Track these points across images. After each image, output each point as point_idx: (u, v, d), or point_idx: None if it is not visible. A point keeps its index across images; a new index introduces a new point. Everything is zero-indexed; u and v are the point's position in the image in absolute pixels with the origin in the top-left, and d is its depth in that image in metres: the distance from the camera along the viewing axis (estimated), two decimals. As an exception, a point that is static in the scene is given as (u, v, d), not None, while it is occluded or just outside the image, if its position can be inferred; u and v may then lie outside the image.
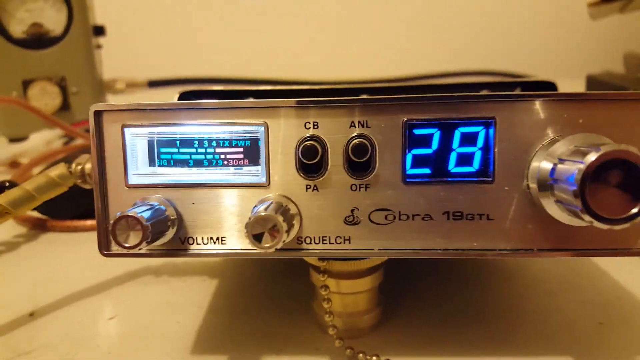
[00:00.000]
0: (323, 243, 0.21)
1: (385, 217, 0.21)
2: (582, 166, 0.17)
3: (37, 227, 0.44)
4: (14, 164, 0.61)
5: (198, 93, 0.32)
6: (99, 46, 0.79)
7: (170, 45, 1.00)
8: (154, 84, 0.81)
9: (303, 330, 0.28)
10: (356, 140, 0.20)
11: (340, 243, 0.21)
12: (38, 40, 0.74)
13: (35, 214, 0.45)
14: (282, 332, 0.28)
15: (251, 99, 0.21)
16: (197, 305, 0.31)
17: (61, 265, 0.37)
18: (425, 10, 1.04)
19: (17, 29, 0.74)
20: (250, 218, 0.19)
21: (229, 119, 0.21)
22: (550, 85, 0.31)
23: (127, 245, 0.19)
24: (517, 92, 0.20)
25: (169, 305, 0.31)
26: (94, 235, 0.43)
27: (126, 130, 0.21)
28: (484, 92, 0.21)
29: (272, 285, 0.33)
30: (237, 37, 1.03)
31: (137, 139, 0.21)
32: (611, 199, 0.17)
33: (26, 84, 0.74)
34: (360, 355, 0.25)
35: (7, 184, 0.41)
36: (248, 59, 1.02)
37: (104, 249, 0.22)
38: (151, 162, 0.22)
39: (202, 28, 1.03)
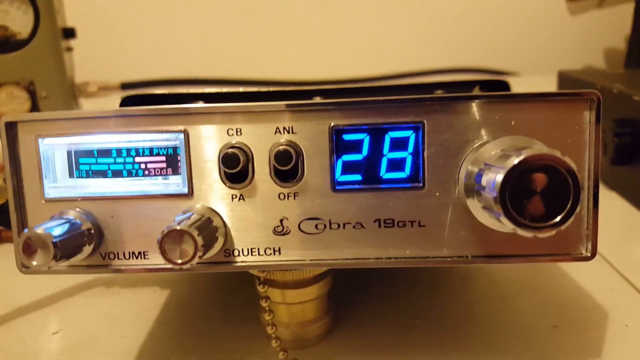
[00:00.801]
0: (252, 255, 0.21)
1: (316, 227, 0.20)
2: (502, 171, 0.16)
3: (-7, 238, 0.43)
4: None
5: (141, 98, 0.31)
6: (69, 49, 0.77)
7: (145, 48, 0.99)
8: (127, 86, 0.80)
9: (251, 341, 0.27)
10: (281, 147, 0.19)
11: (270, 254, 0.21)
12: (4, 43, 0.72)
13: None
14: (230, 344, 0.27)
15: (168, 105, 0.20)
16: (145, 317, 0.30)
17: (13, 278, 0.36)
18: (410, 7, 1.03)
19: (-17, 33, 0.72)
20: (162, 232, 0.18)
21: (149, 126, 0.20)
22: (503, 85, 0.30)
23: (33, 263, 0.18)
24: (442, 94, 0.19)
25: (117, 317, 0.30)
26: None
27: (40, 141, 0.20)
28: (415, 96, 0.20)
29: (223, 294, 0.32)
30: (214, 37, 1.02)
31: (54, 149, 0.20)
32: (535, 205, 0.16)
33: (-7, 89, 0.72)
34: (305, 366, 0.24)
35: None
36: (224, 59, 1.00)
37: (22, 266, 0.21)
38: (70, 174, 0.21)
39: (176, 29, 1.02)
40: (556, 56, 1.06)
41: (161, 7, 1.02)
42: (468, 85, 0.33)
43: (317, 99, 0.20)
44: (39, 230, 0.18)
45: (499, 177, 0.16)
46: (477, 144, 0.19)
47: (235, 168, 0.19)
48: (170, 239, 0.17)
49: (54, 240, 0.18)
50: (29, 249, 0.18)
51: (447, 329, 0.27)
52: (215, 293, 0.32)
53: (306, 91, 0.30)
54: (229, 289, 0.33)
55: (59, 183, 0.21)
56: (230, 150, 0.20)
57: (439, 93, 0.33)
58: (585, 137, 0.19)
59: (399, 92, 0.33)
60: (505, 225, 0.16)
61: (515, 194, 0.16)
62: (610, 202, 0.44)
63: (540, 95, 0.19)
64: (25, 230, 0.18)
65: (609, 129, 0.43)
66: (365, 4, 1.05)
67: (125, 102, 0.30)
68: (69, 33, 0.76)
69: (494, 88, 0.32)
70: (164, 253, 0.18)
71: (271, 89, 0.30)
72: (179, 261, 0.17)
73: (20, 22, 0.73)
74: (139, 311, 0.31)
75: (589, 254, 0.20)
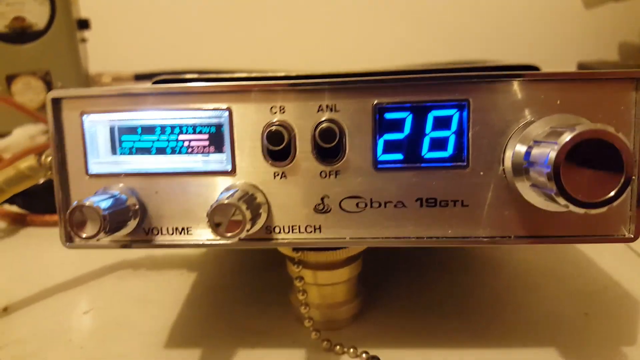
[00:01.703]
0: (293, 232, 0.21)
1: (357, 205, 0.20)
2: (556, 147, 0.16)
3: (17, 222, 0.43)
4: (-4, 159, 0.59)
5: (172, 81, 0.31)
6: (83, 40, 0.78)
7: (158, 39, 0.99)
8: (140, 77, 0.80)
9: (280, 323, 0.27)
10: (324, 125, 0.19)
11: (311, 232, 0.21)
12: (21, 34, 0.73)
13: (15, 208, 0.44)
14: (259, 326, 0.27)
15: (213, 83, 0.20)
16: (173, 299, 0.30)
17: (39, 260, 0.37)
18: (417, 0, 1.03)
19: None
20: (211, 206, 0.18)
21: (192, 104, 0.20)
22: (533, 70, 0.30)
23: (83, 235, 0.18)
24: (488, 72, 0.19)
25: (146, 299, 0.30)
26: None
27: (85, 117, 0.20)
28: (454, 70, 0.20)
29: (251, 278, 0.32)
30: (227, 29, 1.02)
31: (98, 126, 0.21)
32: (587, 181, 0.16)
33: (10, 79, 0.72)
34: (337, 347, 0.24)
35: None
36: (237, 51, 1.01)
37: (67, 240, 0.21)
38: (113, 150, 0.21)
39: (191, 20, 1.02)
40: (570, 50, 1.05)
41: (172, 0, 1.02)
42: (493, 70, 0.33)
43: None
44: (88, 203, 0.18)
45: (553, 153, 0.16)
46: (523, 123, 0.19)
47: (279, 146, 0.20)
48: (219, 211, 0.18)
49: (103, 212, 0.18)
50: (78, 221, 0.18)
51: (477, 316, 0.27)
52: (241, 277, 0.32)
53: (346, 74, 0.31)
54: (255, 272, 0.33)
55: (102, 159, 0.21)
56: (273, 127, 0.20)
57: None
58: (630, 117, 0.19)
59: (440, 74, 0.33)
60: (557, 203, 0.16)
61: (568, 169, 0.16)
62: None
63: (586, 75, 0.19)
64: (75, 203, 0.18)
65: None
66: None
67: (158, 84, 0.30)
68: (84, 24, 0.77)
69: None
70: (213, 226, 0.18)
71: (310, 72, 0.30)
72: (229, 234, 0.17)
73: (36, 13, 0.73)
74: (168, 293, 0.31)
75: (632, 236, 0.20)
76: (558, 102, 0.19)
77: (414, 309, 0.28)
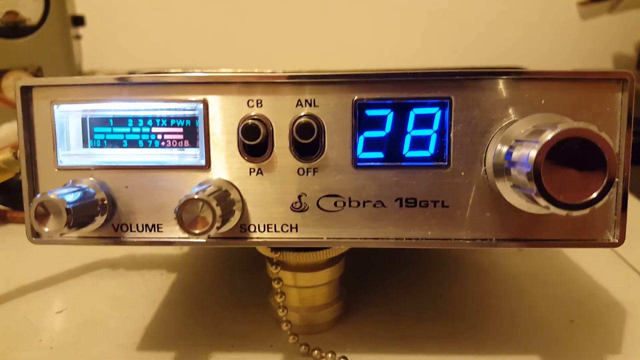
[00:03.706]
0: (268, 231, 0.20)
1: (335, 204, 0.20)
2: (537, 146, 0.15)
3: (-3, 219, 0.42)
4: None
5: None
6: (78, 36, 0.77)
7: (153, 36, 0.98)
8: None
9: (259, 326, 0.26)
10: (303, 120, 0.19)
11: (287, 231, 0.20)
12: (13, 29, 0.72)
13: (-4, 205, 0.43)
14: (237, 328, 0.26)
15: (187, 73, 0.19)
16: (151, 299, 0.29)
17: (17, 258, 0.36)
18: (418, 7, 1.03)
19: (-8, 18, 0.72)
20: (180, 201, 0.17)
21: (166, 95, 0.19)
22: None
23: (45, 229, 0.17)
24: (471, 69, 0.19)
25: (122, 299, 0.30)
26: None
27: (56, 107, 0.20)
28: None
29: (231, 279, 0.31)
30: (224, 27, 1.02)
31: (69, 116, 0.20)
32: (569, 182, 0.15)
33: (0, 74, 0.72)
34: (315, 352, 0.24)
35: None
36: (234, 49, 1.00)
37: (32, 235, 0.20)
38: (84, 143, 0.20)
39: (187, 18, 1.01)
40: (564, 60, 1.05)
41: (170, -1, 1.01)
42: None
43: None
44: (52, 196, 0.17)
45: (533, 152, 0.15)
46: (506, 122, 0.19)
47: (255, 140, 0.19)
48: (188, 207, 0.17)
49: (67, 206, 0.17)
50: (41, 214, 0.17)
51: (462, 322, 0.26)
52: (222, 278, 0.32)
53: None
54: (235, 274, 0.32)
55: (72, 151, 0.20)
56: (250, 121, 0.19)
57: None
58: (616, 118, 0.19)
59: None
60: (538, 204, 0.16)
61: (549, 169, 0.15)
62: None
63: (571, 74, 0.19)
64: (38, 196, 0.17)
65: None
66: (372, 3, 1.05)
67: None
68: (79, 21, 0.76)
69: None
70: (181, 222, 0.17)
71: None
72: (197, 231, 0.17)
73: (30, 8, 0.72)
74: (145, 293, 0.30)
75: (617, 240, 0.19)
76: (542, 101, 0.19)
77: (397, 313, 0.27)
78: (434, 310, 0.27)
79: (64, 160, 0.20)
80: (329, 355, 0.24)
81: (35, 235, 0.20)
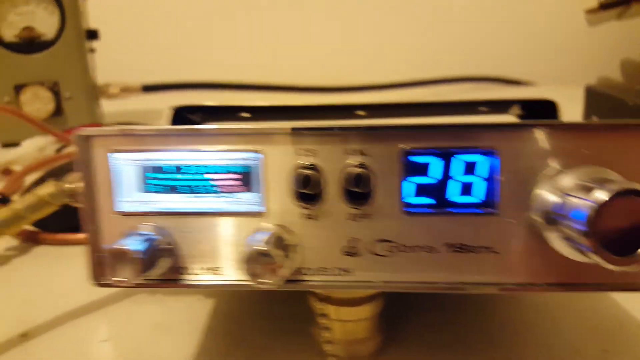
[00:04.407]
0: (322, 275, 0.21)
1: (386, 249, 0.21)
2: (591, 204, 0.16)
3: (29, 240, 0.43)
4: (6, 171, 0.60)
5: (191, 108, 0.31)
6: (92, 50, 0.78)
7: (166, 49, 0.99)
8: (148, 88, 0.80)
9: (303, 355, 0.27)
10: (354, 169, 0.20)
11: (340, 275, 0.21)
12: (30, 44, 0.73)
13: (28, 226, 0.44)
14: (282, 357, 0.27)
15: (246, 125, 0.20)
16: (193, 326, 0.30)
17: (53, 281, 0.37)
18: (425, 16, 1.04)
19: (9, 33, 0.73)
20: (247, 252, 0.18)
21: (224, 144, 0.20)
22: (550, 105, 0.30)
23: (121, 279, 0.18)
24: (519, 120, 0.20)
25: (164, 326, 0.30)
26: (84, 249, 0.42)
27: (114, 155, 0.20)
28: (484, 115, 0.20)
29: (269, 306, 0.32)
30: (235, 40, 1.03)
31: (127, 164, 0.21)
32: (623, 239, 0.16)
33: (18, 89, 0.73)
34: (359, 383, 0.25)
35: (0, 196, 0.40)
36: (246, 62, 1.01)
37: (96, 278, 0.21)
38: (143, 189, 0.21)
39: (198, 31, 1.02)
40: (572, 66, 1.06)
41: (182, 10, 1.02)
42: (509, 103, 0.34)
43: (384, 121, 0.20)
44: (125, 247, 0.18)
45: (588, 212, 0.16)
46: (552, 171, 0.19)
47: (309, 189, 0.20)
48: (256, 259, 0.18)
49: (140, 256, 0.18)
50: (115, 263, 0.18)
51: (498, 350, 0.27)
52: (260, 304, 0.32)
53: (373, 106, 0.31)
54: (272, 301, 0.33)
55: (131, 197, 0.21)
56: (303, 170, 0.20)
57: (483, 109, 0.34)
58: (659, 168, 0.19)
59: (445, 109, 0.33)
60: (590, 258, 0.17)
61: (604, 229, 0.16)
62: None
63: (611, 125, 0.19)
64: (111, 247, 0.18)
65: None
66: (379, 11, 1.05)
67: (178, 112, 0.30)
68: (93, 34, 0.77)
69: (537, 107, 0.32)
70: (250, 274, 0.18)
71: (315, 102, 0.31)
72: (265, 281, 0.18)
73: (46, 23, 0.73)
74: (186, 320, 0.31)
75: (659, 284, 0.20)
76: (585, 151, 0.20)
77: (435, 345, 0.28)
78: (470, 341, 0.28)
79: (124, 206, 0.21)
80: (373, 386, 0.24)
81: (98, 278, 0.21)
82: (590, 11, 0.96)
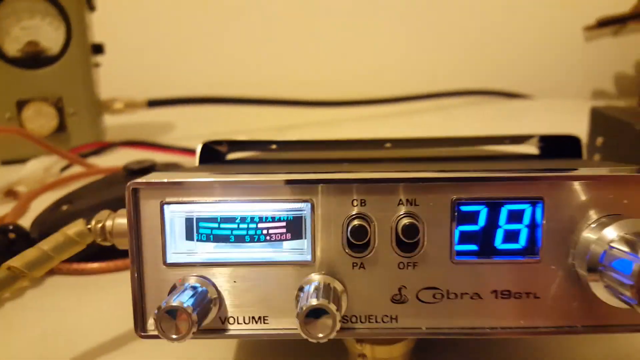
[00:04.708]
0: (369, 322, 0.21)
1: (434, 296, 0.21)
2: (636, 260, 0.17)
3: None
4: (9, 192, 0.59)
5: (221, 143, 0.31)
6: (97, 65, 0.77)
7: (171, 63, 0.99)
8: (153, 103, 0.80)
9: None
10: (405, 220, 0.20)
11: (387, 322, 0.21)
12: (34, 59, 0.72)
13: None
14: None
15: (295, 176, 0.20)
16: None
17: (69, 314, 0.36)
18: (425, 29, 1.05)
19: (12, 47, 0.72)
20: (302, 307, 0.18)
21: (272, 195, 0.20)
22: (573, 140, 0.31)
23: (174, 337, 0.18)
24: (564, 173, 0.20)
25: (192, 360, 0.30)
26: (101, 279, 0.41)
27: (165, 207, 0.21)
28: (530, 170, 0.21)
29: (291, 341, 0.32)
30: (240, 53, 1.03)
31: (176, 215, 0.21)
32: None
33: (21, 105, 0.72)
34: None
35: (11, 227, 0.39)
36: (252, 76, 1.01)
37: (141, 330, 0.21)
38: (189, 238, 0.21)
39: (203, 45, 1.02)
40: (569, 80, 1.08)
41: (186, 24, 1.02)
42: (529, 138, 0.34)
43: (433, 173, 0.21)
44: (177, 303, 0.18)
45: (634, 266, 0.17)
46: (593, 221, 0.20)
47: (361, 239, 0.20)
48: (309, 314, 0.18)
49: (193, 313, 0.18)
50: (170, 321, 0.18)
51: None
52: (290, 343, 0.32)
53: (381, 140, 0.31)
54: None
55: (178, 248, 0.21)
56: (355, 221, 0.20)
57: (506, 143, 0.34)
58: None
59: (471, 142, 0.33)
60: (636, 309, 0.17)
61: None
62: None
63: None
64: (164, 304, 0.18)
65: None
66: (379, 26, 1.06)
67: (205, 147, 0.30)
68: (98, 49, 0.77)
69: (559, 142, 0.33)
70: (305, 331, 0.18)
71: (343, 137, 0.31)
72: (321, 335, 0.18)
73: (51, 38, 0.73)
74: (212, 354, 0.31)
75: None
76: (625, 201, 0.20)
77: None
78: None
79: (172, 257, 0.21)
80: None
81: (143, 330, 0.21)
82: (588, 28, 0.98)
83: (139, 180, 0.20)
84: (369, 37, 1.06)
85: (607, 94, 1.10)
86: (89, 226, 0.28)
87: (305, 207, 0.20)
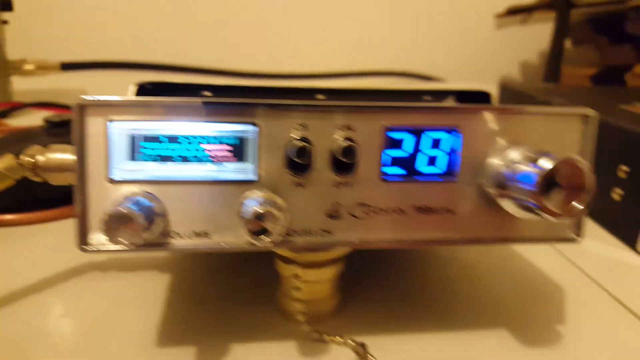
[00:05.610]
0: (307, 236, 0.23)
1: (364, 212, 0.23)
2: (539, 171, 0.20)
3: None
4: None
5: (156, 85, 0.31)
6: (4, 22, 0.71)
7: (85, 27, 0.93)
8: (67, 66, 0.75)
9: (267, 318, 0.29)
10: (345, 143, 0.22)
11: (324, 235, 0.23)
12: None
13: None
14: (246, 321, 0.28)
15: (243, 100, 0.21)
16: (153, 299, 0.30)
17: (4, 262, 0.35)
18: (349, 13, 1.08)
19: None
20: (248, 213, 0.19)
21: (220, 117, 0.22)
22: (485, 95, 0.35)
23: (124, 242, 0.19)
24: (430, 100, 0.23)
25: (124, 300, 0.30)
26: (25, 230, 0.40)
27: (110, 124, 0.21)
28: (448, 102, 0.23)
29: (225, 277, 0.33)
30: (161, 18, 0.99)
31: (123, 133, 0.21)
32: (560, 198, 0.20)
33: None
34: (325, 336, 0.27)
35: None
36: (169, 43, 0.98)
37: (83, 243, 0.21)
38: (134, 157, 0.21)
39: (119, 8, 0.97)
40: (479, 65, 1.17)
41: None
42: (448, 94, 0.38)
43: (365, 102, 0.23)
44: (126, 210, 0.19)
45: (536, 176, 0.20)
46: (500, 145, 0.23)
47: (303, 159, 0.22)
48: (258, 219, 0.19)
49: (141, 217, 0.19)
50: (114, 226, 0.18)
51: (436, 305, 0.31)
52: (219, 275, 0.34)
53: (314, 89, 0.33)
54: (228, 271, 0.34)
55: (123, 166, 0.21)
56: (297, 142, 0.22)
57: (427, 99, 0.38)
58: (580, 146, 0.24)
59: (394, 96, 0.36)
60: (538, 215, 0.21)
61: (547, 189, 0.20)
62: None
63: (547, 111, 0.24)
64: (113, 209, 0.19)
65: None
66: (308, 7, 1.08)
67: (142, 88, 0.30)
68: (5, 5, 0.71)
69: (472, 97, 0.37)
70: (250, 232, 0.19)
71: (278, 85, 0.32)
72: (268, 240, 0.19)
73: (-52, -13, 0.66)
74: (146, 293, 0.31)
75: (578, 237, 0.25)
76: (526, 130, 0.24)
77: (385, 301, 0.31)
78: (412, 298, 0.32)
79: (116, 174, 0.21)
80: (337, 338, 0.27)
81: (84, 243, 0.21)
82: (498, 15, 1.07)
83: (87, 97, 0.20)
84: (298, 17, 1.07)
85: (514, 81, 1.21)
86: (19, 161, 0.27)
87: (250, 128, 0.22)
